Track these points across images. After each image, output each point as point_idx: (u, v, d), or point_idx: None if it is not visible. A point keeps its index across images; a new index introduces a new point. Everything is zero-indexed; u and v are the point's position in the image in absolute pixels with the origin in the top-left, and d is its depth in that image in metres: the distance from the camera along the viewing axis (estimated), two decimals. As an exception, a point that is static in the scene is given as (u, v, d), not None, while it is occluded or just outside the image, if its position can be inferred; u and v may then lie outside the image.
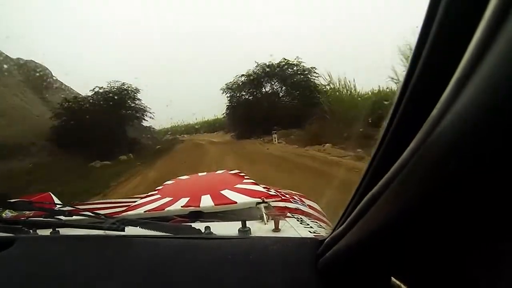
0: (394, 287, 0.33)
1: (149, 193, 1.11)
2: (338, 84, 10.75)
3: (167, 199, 0.95)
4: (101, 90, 12.04)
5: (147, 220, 0.63)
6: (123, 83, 12.35)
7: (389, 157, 0.22)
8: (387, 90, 8.72)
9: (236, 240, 0.54)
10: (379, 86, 9.59)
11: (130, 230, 0.55)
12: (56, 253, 0.52)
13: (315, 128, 9.25)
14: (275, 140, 10.93)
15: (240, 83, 14.40)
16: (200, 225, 0.60)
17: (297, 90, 13.40)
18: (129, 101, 12.57)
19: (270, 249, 0.47)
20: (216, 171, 1.56)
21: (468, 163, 0.15)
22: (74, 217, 0.68)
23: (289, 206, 1.01)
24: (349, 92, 10.32)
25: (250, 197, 0.85)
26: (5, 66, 11.33)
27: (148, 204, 0.93)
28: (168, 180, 1.36)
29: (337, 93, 10.72)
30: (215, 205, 0.83)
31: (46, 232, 0.65)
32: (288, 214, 0.77)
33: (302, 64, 13.38)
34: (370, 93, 9.81)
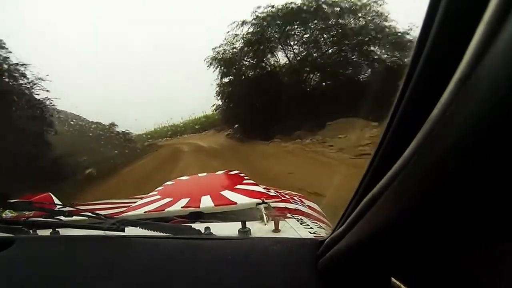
0: (394, 287, 0.33)
1: (149, 194, 1.11)
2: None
3: (167, 199, 0.95)
4: None
5: (147, 221, 0.63)
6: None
7: (389, 157, 0.22)
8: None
9: (236, 241, 0.54)
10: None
11: (130, 231, 0.55)
12: (56, 254, 0.52)
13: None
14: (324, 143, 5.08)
15: (240, 42, 7.60)
16: (200, 226, 0.60)
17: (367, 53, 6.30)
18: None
19: (270, 250, 0.47)
20: None
21: (468, 163, 0.15)
22: (74, 218, 0.68)
23: (289, 207, 1.01)
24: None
25: (250, 197, 0.85)
26: None
27: (148, 204, 0.93)
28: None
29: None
30: (215, 205, 0.83)
31: (46, 232, 0.65)
32: (288, 215, 0.77)
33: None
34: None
